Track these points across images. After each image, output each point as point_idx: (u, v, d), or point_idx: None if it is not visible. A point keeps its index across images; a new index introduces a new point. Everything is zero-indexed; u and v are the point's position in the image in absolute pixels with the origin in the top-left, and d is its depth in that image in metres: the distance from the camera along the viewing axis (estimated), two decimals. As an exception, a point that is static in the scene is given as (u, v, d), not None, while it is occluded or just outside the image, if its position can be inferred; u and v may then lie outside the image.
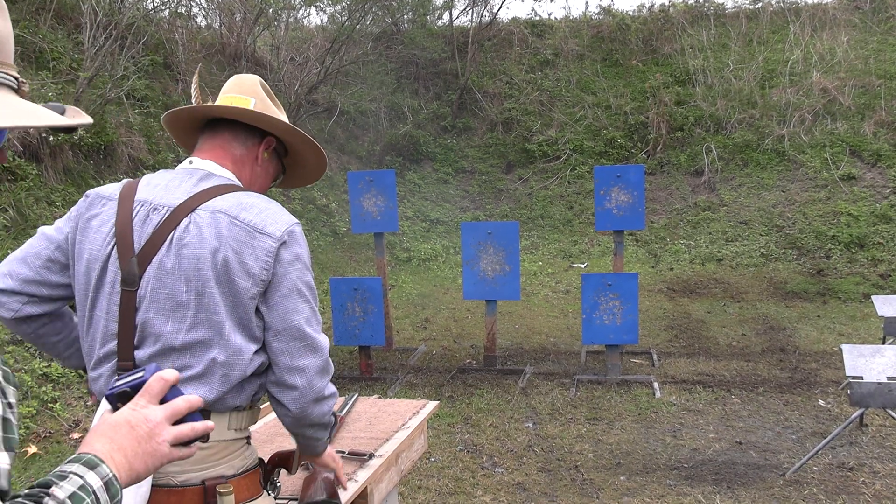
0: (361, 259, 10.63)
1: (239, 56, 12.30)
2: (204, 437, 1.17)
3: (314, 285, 1.77)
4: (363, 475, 2.39)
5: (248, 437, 1.80)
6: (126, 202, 1.73)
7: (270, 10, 12.74)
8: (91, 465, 0.99)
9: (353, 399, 3.06)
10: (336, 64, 12.49)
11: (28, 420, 4.75)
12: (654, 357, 6.74)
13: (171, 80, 10.56)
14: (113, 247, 1.70)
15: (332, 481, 2.11)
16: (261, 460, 1.86)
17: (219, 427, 1.69)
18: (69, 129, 1.19)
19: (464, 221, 9.34)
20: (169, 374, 1.14)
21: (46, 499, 0.93)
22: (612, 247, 8.04)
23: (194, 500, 1.66)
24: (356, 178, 7.13)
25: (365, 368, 6.48)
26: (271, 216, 1.70)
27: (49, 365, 5.28)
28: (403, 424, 2.82)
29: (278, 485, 1.90)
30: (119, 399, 1.14)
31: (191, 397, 1.16)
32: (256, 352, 1.69)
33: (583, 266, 10.47)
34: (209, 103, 1.91)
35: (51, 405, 5.01)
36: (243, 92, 1.87)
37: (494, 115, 13.89)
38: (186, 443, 1.15)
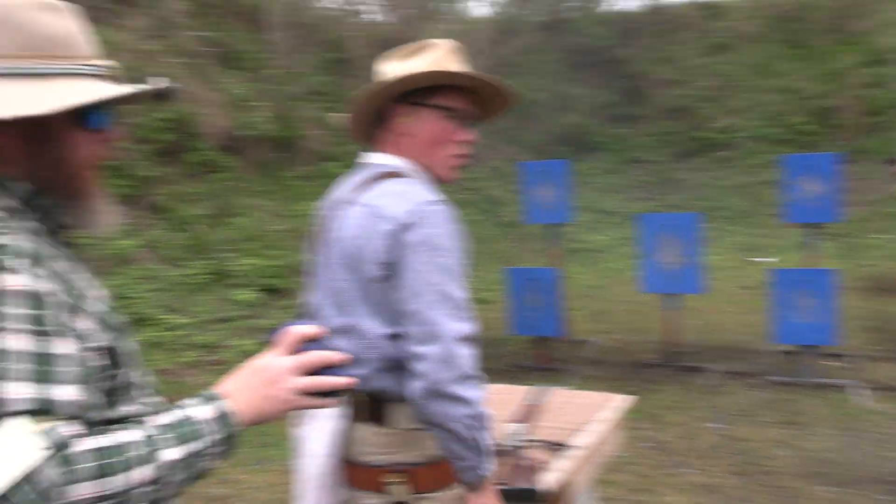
0: (531, 249, 10.62)
1: (411, 50, 12.62)
2: (341, 395, 1.21)
3: (453, 267, 1.65)
4: (559, 465, 2.36)
5: None
6: (327, 201, 1.93)
7: (440, 3, 12.99)
8: (209, 399, 1.13)
9: (543, 389, 3.03)
10: (502, 54, 12.51)
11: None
12: (853, 360, 6.22)
13: (349, 75, 11.02)
14: (313, 243, 1.93)
15: (535, 468, 2.10)
16: None
17: (400, 416, 1.74)
18: (158, 96, 1.28)
19: (638, 212, 9.08)
20: (302, 328, 1.21)
21: (142, 426, 1.06)
22: (798, 240, 7.52)
23: (376, 480, 1.75)
24: (529, 168, 7.10)
25: (541, 359, 6.46)
26: (399, 199, 1.68)
27: (250, 343, 5.66)
28: (594, 416, 2.76)
29: None
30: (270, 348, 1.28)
31: (326, 353, 1.21)
32: (395, 338, 1.69)
33: (771, 260, 9.87)
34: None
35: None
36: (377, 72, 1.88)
37: (666, 102, 13.38)
38: (323, 395, 1.20)
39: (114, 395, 1.22)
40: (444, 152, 1.84)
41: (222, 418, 1.12)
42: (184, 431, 1.09)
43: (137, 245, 5.84)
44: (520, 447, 2.38)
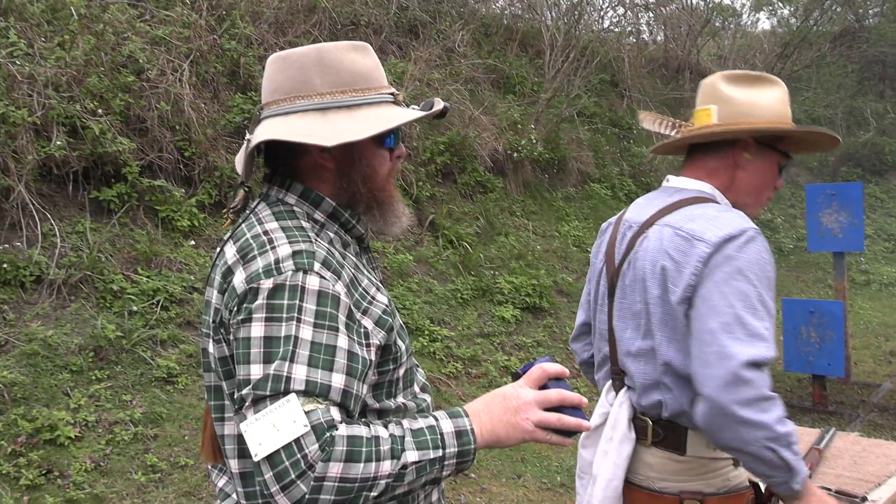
0: (810, 279, 9.74)
1: (682, 68, 12.24)
2: (571, 434, 1.26)
3: (755, 295, 1.58)
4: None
5: (736, 460, 1.74)
6: (618, 223, 1.96)
7: (716, 20, 12.44)
8: (454, 415, 1.24)
9: (830, 433, 2.77)
10: (787, 69, 11.65)
11: (492, 406, 5.31)
12: None
13: (616, 96, 10.95)
14: (604, 264, 1.94)
15: None
16: (755, 485, 1.77)
17: (695, 443, 1.72)
18: (438, 115, 1.48)
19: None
20: (550, 366, 1.28)
21: (392, 425, 1.20)
22: None
23: None
24: (816, 191, 6.52)
25: (818, 399, 5.89)
26: (717, 223, 1.66)
27: (509, 359, 5.84)
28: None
29: None
30: (513, 378, 1.33)
31: (566, 392, 1.26)
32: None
33: None
34: (674, 134, 1.95)
35: (510, 395, 5.53)
36: (705, 100, 1.89)
37: None
38: (561, 432, 1.25)
39: (382, 388, 1.38)
40: (766, 195, 1.88)
41: (461, 435, 1.21)
42: (426, 439, 1.19)
43: (413, 259, 6.29)
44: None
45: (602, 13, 11.10)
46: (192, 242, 5.17)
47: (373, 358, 1.28)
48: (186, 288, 4.76)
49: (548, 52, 9.15)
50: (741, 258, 1.61)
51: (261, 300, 1.20)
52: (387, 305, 1.38)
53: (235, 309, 1.24)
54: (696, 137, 1.85)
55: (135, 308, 4.43)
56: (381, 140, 1.41)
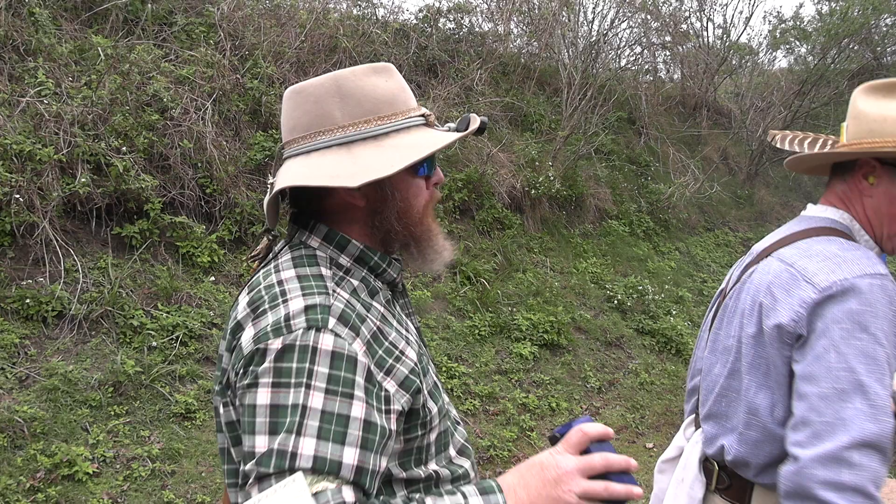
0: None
1: (700, 105, 12.28)
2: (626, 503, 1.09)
3: (877, 356, 1.38)
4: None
5: None
6: (750, 252, 1.80)
7: (734, 58, 12.50)
8: (486, 491, 1.09)
9: None
10: (805, 107, 11.66)
11: (510, 444, 5.26)
12: None
13: (634, 133, 10.99)
14: (720, 292, 1.82)
15: None
16: None
17: (761, 500, 1.55)
18: (476, 132, 1.36)
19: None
20: (591, 427, 1.12)
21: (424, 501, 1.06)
22: None
23: None
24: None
25: None
26: (830, 265, 1.46)
27: (527, 396, 5.79)
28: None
29: None
30: (551, 441, 1.18)
31: (612, 456, 1.09)
32: (782, 419, 1.49)
33: None
34: (807, 150, 1.74)
35: (528, 433, 5.48)
36: (848, 115, 1.69)
37: None
38: (609, 502, 1.09)
39: (410, 455, 1.24)
40: None
41: None
42: None
43: (431, 296, 6.30)
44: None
45: (619, 52, 11.21)
46: (212, 278, 5.21)
47: (394, 427, 1.15)
48: (206, 324, 4.79)
49: (565, 90, 9.23)
50: (861, 310, 1.40)
51: (268, 363, 1.08)
52: (415, 363, 1.23)
53: (242, 371, 1.12)
54: (814, 157, 1.67)
55: (154, 343, 4.46)
56: (414, 169, 1.28)
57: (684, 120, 11.93)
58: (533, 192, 7.98)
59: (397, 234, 1.30)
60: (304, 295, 1.16)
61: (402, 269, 1.37)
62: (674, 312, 7.74)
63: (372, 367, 1.14)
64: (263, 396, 1.06)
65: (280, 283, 1.19)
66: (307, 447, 1.02)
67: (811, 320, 1.42)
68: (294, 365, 1.07)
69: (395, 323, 1.29)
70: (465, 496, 1.08)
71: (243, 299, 1.22)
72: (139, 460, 3.88)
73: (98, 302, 4.47)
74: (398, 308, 1.37)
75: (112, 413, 4.06)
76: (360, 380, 1.09)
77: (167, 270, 4.92)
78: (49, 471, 3.60)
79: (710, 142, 11.67)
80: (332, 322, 1.12)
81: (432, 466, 1.27)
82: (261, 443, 1.04)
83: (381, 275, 1.32)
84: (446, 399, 1.39)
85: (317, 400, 1.05)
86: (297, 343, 1.08)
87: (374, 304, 1.27)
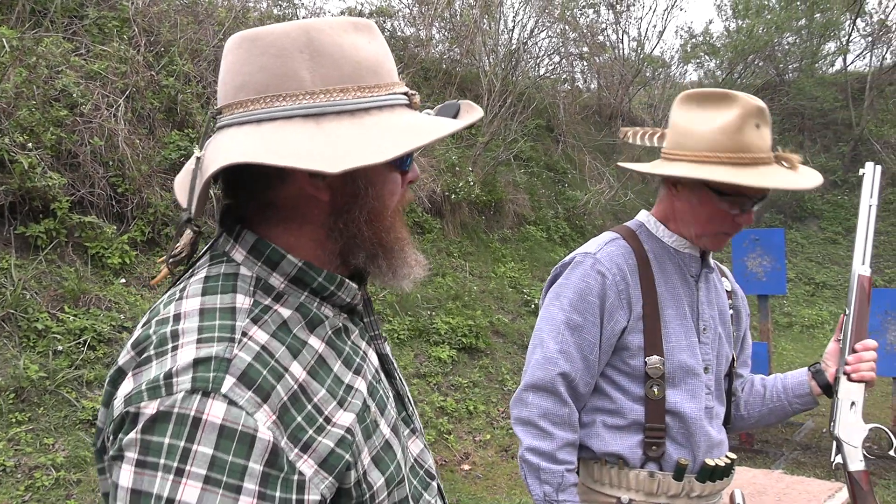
0: (736, 322, 10.05)
1: (615, 115, 12.65)
2: None
3: (554, 317, 1.76)
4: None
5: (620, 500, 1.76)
6: None
7: (647, 71, 12.92)
8: None
9: (763, 474, 2.87)
10: (713, 119, 12.15)
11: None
12: None
13: (552, 141, 11.23)
14: None
15: None
16: None
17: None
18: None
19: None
20: None
21: None
22: None
23: None
24: (740, 236, 6.78)
25: (745, 439, 6.07)
26: (586, 245, 1.84)
27: (445, 399, 5.84)
28: (818, 509, 2.57)
29: None
30: None
31: None
32: None
33: None
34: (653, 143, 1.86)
35: (446, 436, 5.52)
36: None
37: (894, 167, 12.28)
38: None
39: None
40: (714, 230, 1.76)
41: None
42: None
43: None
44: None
45: (538, 61, 11.43)
46: (123, 280, 5.05)
47: None
48: (116, 327, 4.64)
49: (485, 96, 9.35)
50: (561, 282, 1.79)
51: (134, 433, 0.81)
52: (347, 432, 0.93)
53: (111, 437, 0.85)
54: (639, 170, 1.93)
55: (60, 347, 4.29)
56: (396, 162, 0.98)
57: (600, 129, 12.26)
58: (453, 196, 8.05)
59: (364, 242, 1.01)
60: (198, 341, 0.86)
61: (358, 290, 1.05)
62: (588, 316, 7.93)
63: (283, 443, 0.85)
64: (126, 477, 0.80)
65: (177, 317, 0.90)
66: None
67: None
68: (166, 440, 0.80)
69: (335, 366, 0.98)
70: None
71: (133, 336, 0.93)
72: (42, 469, 3.72)
73: (0, 304, 4.28)
74: (352, 339, 1.05)
75: (13, 420, 3.88)
76: (254, 466, 0.82)
77: (75, 272, 4.74)
78: (-57, 482, 3.42)
79: (624, 151, 12.04)
80: (227, 384, 0.83)
81: None
82: None
83: (329, 298, 1.01)
84: (416, 450, 1.14)
85: (190, 493, 0.78)
86: (175, 411, 0.81)
87: (312, 341, 0.96)
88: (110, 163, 5.34)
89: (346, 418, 0.94)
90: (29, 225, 4.76)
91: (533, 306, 7.62)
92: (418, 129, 0.96)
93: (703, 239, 1.78)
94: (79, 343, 4.38)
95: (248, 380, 0.85)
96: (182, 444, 0.79)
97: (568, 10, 11.20)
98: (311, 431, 0.88)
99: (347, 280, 1.03)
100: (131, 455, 0.80)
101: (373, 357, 1.09)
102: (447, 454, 5.38)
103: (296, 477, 0.85)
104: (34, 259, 4.67)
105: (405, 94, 1.01)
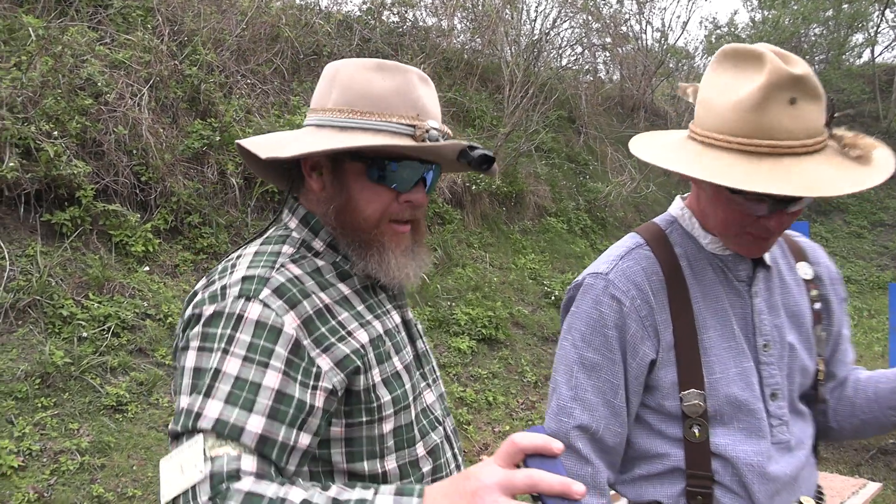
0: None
1: (638, 107, 12.55)
2: None
3: (567, 356, 1.46)
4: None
5: None
6: None
7: (671, 62, 12.80)
8: (401, 493, 0.96)
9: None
10: (737, 111, 12.02)
11: (447, 438, 5.30)
12: None
13: (573, 132, 11.17)
14: None
15: None
16: None
17: None
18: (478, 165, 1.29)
19: (889, 281, 8.23)
20: (523, 438, 0.93)
21: (316, 491, 0.97)
22: None
23: None
24: (764, 229, 6.74)
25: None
26: (603, 256, 1.53)
27: (465, 390, 5.84)
28: (842, 503, 2.54)
29: None
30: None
31: (540, 475, 0.89)
32: None
33: None
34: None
35: (465, 426, 5.53)
36: None
37: (925, 161, 12.09)
38: None
39: (354, 445, 1.19)
40: (735, 230, 1.43)
41: None
42: None
43: (371, 289, 6.29)
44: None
45: (560, 51, 11.36)
46: (147, 268, 5.09)
47: (319, 404, 1.10)
48: (139, 314, 4.68)
49: (507, 87, 9.31)
50: (573, 311, 1.48)
51: (198, 327, 1.11)
52: (363, 346, 1.19)
53: (180, 334, 1.17)
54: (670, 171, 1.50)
55: (85, 334, 4.34)
56: (368, 174, 1.24)
57: (622, 120, 12.17)
58: (474, 187, 8.03)
59: (336, 230, 1.27)
60: (248, 267, 1.18)
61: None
62: (609, 308, 7.90)
63: (306, 341, 1.12)
64: (191, 359, 1.09)
65: (239, 257, 1.23)
66: (212, 409, 1.02)
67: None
68: (219, 330, 1.09)
69: (359, 307, 1.25)
70: (375, 492, 0.97)
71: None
72: (67, 453, 3.77)
73: (26, 290, 4.33)
74: (377, 297, 1.32)
75: (39, 405, 3.94)
76: (280, 350, 1.09)
77: (99, 259, 4.79)
78: (-29, 465, 3.48)
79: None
80: (264, 293, 1.13)
81: (390, 464, 1.21)
82: (181, 403, 1.07)
83: (352, 267, 1.28)
84: (429, 399, 1.36)
85: (232, 365, 1.06)
86: (226, 311, 1.11)
87: (340, 285, 1.25)
88: (134, 151, 5.38)
89: (363, 336, 1.21)
90: (54, 212, 4.81)
91: (553, 298, 7.59)
92: (359, 140, 1.19)
93: (728, 241, 1.44)
94: (103, 330, 4.43)
95: (280, 292, 1.14)
96: (228, 332, 1.08)
97: (591, 1, 11.11)
98: (331, 339, 1.15)
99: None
100: (195, 343, 1.10)
101: (395, 315, 1.35)
102: (466, 444, 5.39)
103: (314, 368, 1.12)
104: (59, 246, 4.72)
105: (411, 125, 1.22)
